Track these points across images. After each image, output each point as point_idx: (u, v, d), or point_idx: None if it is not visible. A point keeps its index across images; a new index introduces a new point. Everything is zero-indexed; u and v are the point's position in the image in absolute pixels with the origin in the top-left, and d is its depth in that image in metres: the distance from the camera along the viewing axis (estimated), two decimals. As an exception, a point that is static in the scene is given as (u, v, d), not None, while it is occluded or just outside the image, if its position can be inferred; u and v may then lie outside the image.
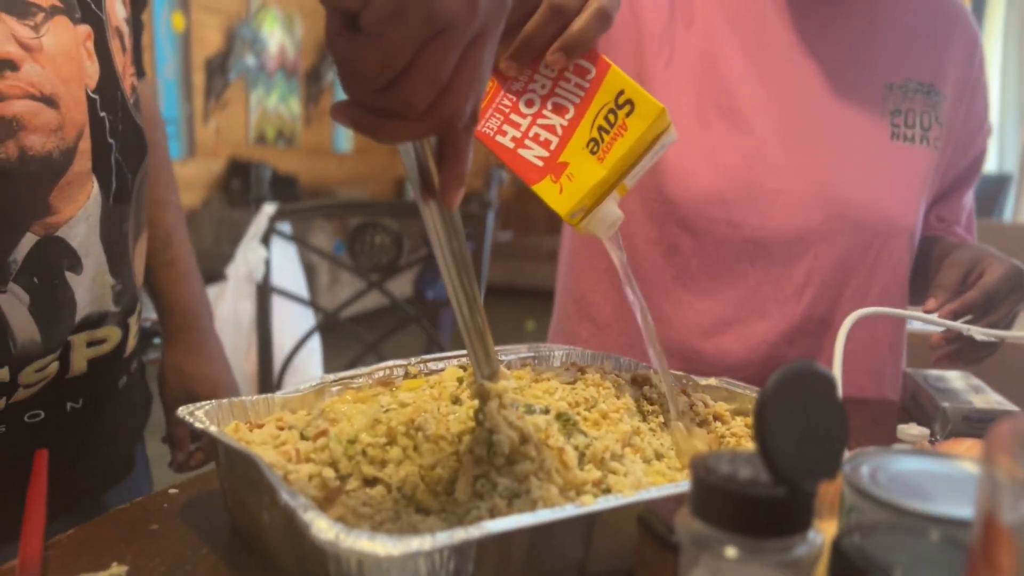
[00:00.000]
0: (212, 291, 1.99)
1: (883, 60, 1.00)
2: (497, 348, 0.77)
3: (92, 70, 0.70)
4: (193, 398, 0.95)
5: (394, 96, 0.39)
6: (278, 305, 1.66)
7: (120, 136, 0.73)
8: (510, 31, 0.57)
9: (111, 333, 0.76)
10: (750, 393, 0.69)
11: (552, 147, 0.58)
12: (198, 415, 0.58)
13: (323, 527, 0.41)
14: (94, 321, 0.74)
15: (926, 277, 1.00)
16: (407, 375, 0.71)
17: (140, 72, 0.86)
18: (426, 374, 0.71)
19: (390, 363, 0.71)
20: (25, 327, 0.67)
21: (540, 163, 0.58)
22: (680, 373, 0.73)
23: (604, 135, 0.57)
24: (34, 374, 0.69)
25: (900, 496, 0.36)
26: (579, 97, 0.58)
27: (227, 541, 0.56)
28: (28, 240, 0.66)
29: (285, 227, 1.73)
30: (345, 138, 6.70)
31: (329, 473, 0.50)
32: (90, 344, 0.74)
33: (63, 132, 0.67)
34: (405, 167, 0.46)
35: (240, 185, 5.05)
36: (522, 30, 0.57)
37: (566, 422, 0.55)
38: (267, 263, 1.61)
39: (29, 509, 0.52)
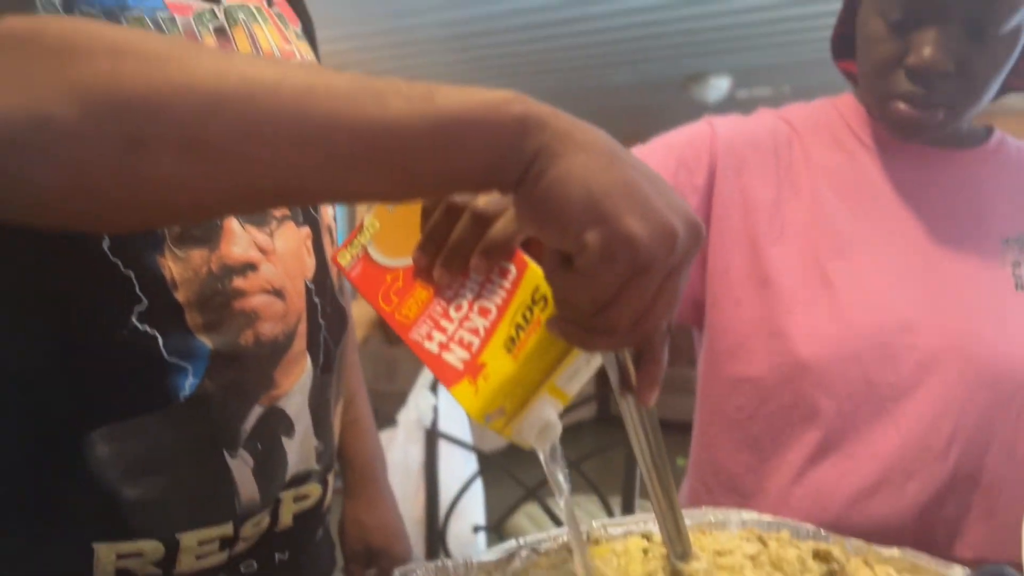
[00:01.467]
0: (384, 435, 2.11)
1: (994, 216, 1.01)
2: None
3: (310, 264, 0.82)
4: (369, 548, 1.03)
5: (602, 320, 0.47)
6: (444, 449, 1.75)
7: (328, 317, 0.84)
8: (438, 240, 0.60)
9: (313, 490, 0.85)
10: (935, 567, 0.68)
11: (474, 349, 0.57)
12: (409, 580, 0.64)
13: None
14: (300, 479, 0.83)
15: None
16: (590, 539, 0.75)
17: None
18: (607, 539, 0.75)
19: (573, 528, 0.75)
20: (248, 487, 0.77)
21: (461, 366, 0.57)
22: (859, 542, 0.73)
23: (520, 332, 0.55)
24: (251, 528, 0.78)
25: None
26: (501, 298, 0.57)
27: None
28: (256, 411, 0.77)
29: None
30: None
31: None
32: (296, 500, 0.83)
33: (287, 318, 0.78)
34: (606, 364, 0.53)
35: (397, 324, 5.30)
36: (448, 239, 0.59)
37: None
38: (435, 409, 1.71)
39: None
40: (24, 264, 0.67)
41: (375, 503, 1.05)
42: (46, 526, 0.70)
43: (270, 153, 0.45)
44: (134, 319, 0.69)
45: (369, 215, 0.66)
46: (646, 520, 0.78)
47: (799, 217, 1.01)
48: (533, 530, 3.10)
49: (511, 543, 0.73)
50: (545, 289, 0.55)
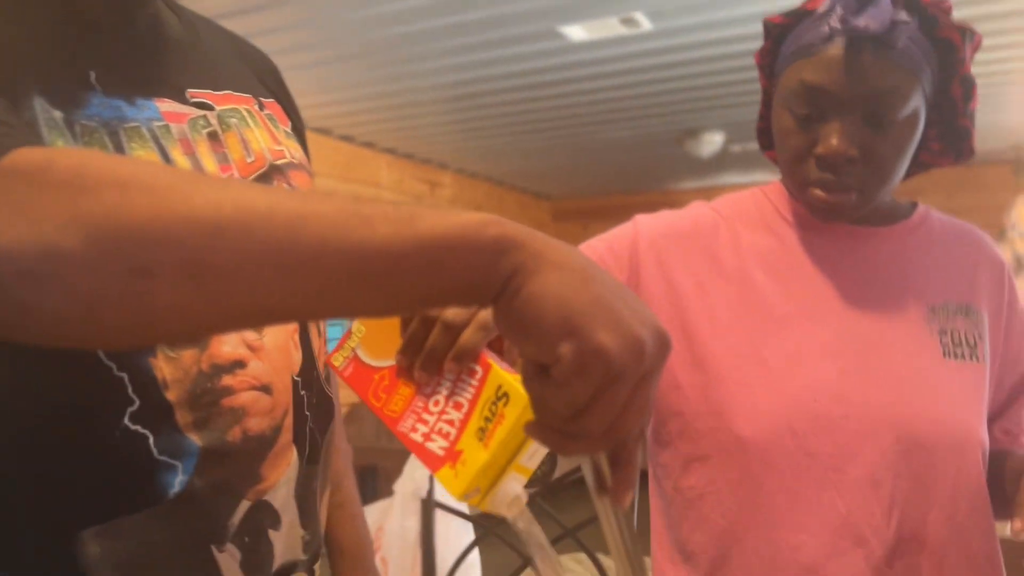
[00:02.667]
0: (380, 506, 2.11)
1: (919, 287, 1.05)
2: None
3: (297, 358, 0.83)
4: None
5: (577, 425, 0.49)
6: (440, 519, 1.75)
7: (314, 408, 0.85)
8: (416, 345, 0.68)
9: None
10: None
11: (451, 438, 0.65)
12: None
13: None
14: (287, 569, 0.83)
15: (1003, 491, 1.00)
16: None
17: None
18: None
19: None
20: None
21: (442, 452, 0.65)
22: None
23: (489, 423, 0.64)
24: None
25: None
26: (471, 394, 0.66)
27: None
28: (244, 506, 0.77)
29: (447, 443, 1.83)
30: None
31: None
32: None
33: (274, 413, 0.79)
34: (582, 467, 0.56)
35: (398, 380, 5.30)
36: (424, 345, 0.68)
37: None
38: (431, 479, 1.72)
39: None
40: (18, 369, 0.68)
41: None
42: None
43: (266, 278, 0.48)
44: (126, 420, 0.70)
45: (356, 322, 0.75)
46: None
47: (728, 298, 1.06)
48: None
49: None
50: (506, 387, 0.64)
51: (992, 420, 1.08)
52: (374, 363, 0.74)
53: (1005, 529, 0.90)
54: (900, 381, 1.00)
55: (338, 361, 0.76)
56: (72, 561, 0.70)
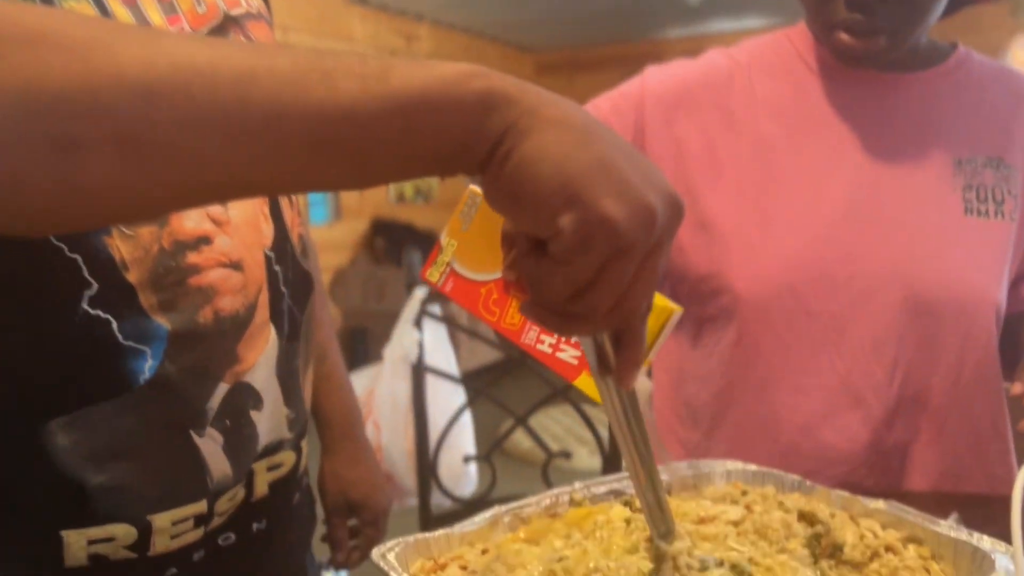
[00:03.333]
0: (370, 372, 2.12)
1: (949, 136, 0.99)
2: (662, 467, 0.80)
3: (268, 231, 0.78)
4: (349, 501, 1.03)
5: (578, 305, 0.43)
6: (431, 382, 1.75)
7: (291, 283, 0.81)
8: None
9: (287, 458, 0.84)
10: (922, 521, 0.67)
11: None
12: (389, 559, 0.63)
13: None
14: (272, 448, 0.81)
15: (1018, 354, 0.98)
16: (572, 502, 0.74)
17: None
18: (590, 499, 0.74)
19: (555, 491, 0.75)
20: (219, 464, 0.75)
21: (575, 361, 0.65)
22: (847, 494, 0.73)
23: None
24: (226, 503, 0.76)
25: None
26: None
27: None
28: (221, 389, 0.74)
29: (435, 308, 1.82)
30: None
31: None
32: (270, 469, 0.81)
33: (247, 290, 0.75)
34: (583, 346, 0.50)
35: (384, 243, 5.29)
36: None
37: (740, 574, 0.57)
38: (420, 344, 1.70)
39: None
40: None
41: (353, 457, 1.05)
42: (10, 516, 0.69)
43: (211, 148, 0.41)
44: (84, 304, 0.66)
45: (444, 235, 0.71)
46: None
47: (737, 156, 1.01)
48: (522, 454, 3.16)
49: (494, 510, 0.72)
50: None
51: (1016, 282, 1.04)
52: (476, 277, 0.69)
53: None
54: (912, 240, 0.96)
55: (434, 276, 0.71)
56: (41, 452, 0.67)
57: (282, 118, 0.41)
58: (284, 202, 0.82)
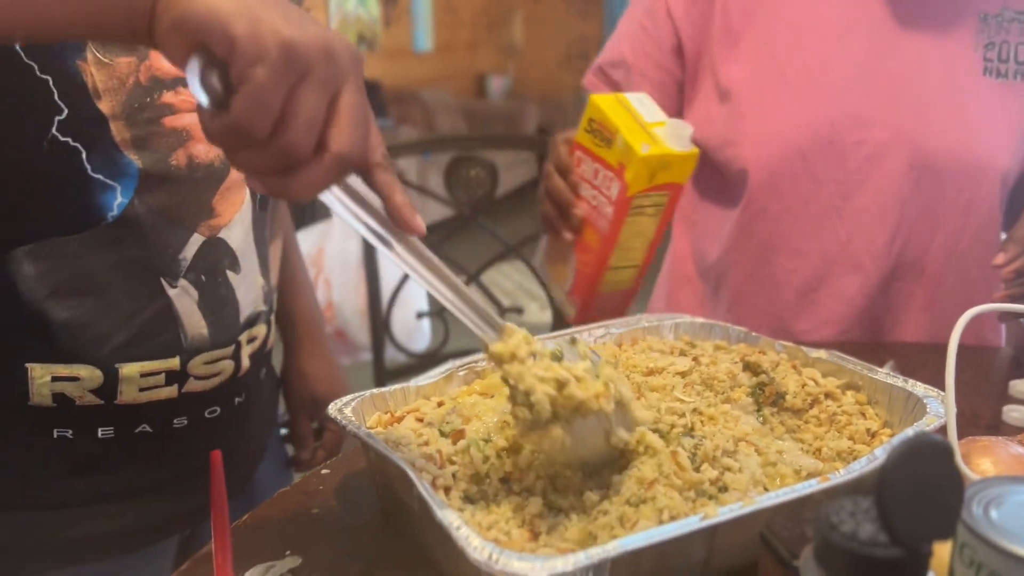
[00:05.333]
0: (319, 229, 2.08)
1: None
2: (613, 322, 0.82)
3: None
4: (314, 398, 1.02)
5: (279, 145, 0.43)
6: (382, 240, 1.72)
7: None
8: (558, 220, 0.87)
9: (262, 330, 0.84)
10: (860, 369, 0.70)
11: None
12: (346, 413, 0.64)
13: (477, 546, 0.47)
14: (253, 320, 0.81)
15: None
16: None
17: None
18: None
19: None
20: (194, 321, 0.75)
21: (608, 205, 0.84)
22: (791, 345, 0.75)
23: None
24: (203, 366, 0.76)
25: (1015, 537, 0.38)
26: (613, 185, 0.82)
27: (382, 527, 0.63)
28: (196, 240, 0.73)
29: (383, 164, 1.77)
30: (425, 37, 6.62)
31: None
32: (249, 342, 0.81)
33: None
34: (358, 231, 0.50)
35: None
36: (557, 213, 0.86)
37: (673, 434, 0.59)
38: (369, 201, 1.67)
39: (215, 507, 0.60)
40: None
41: (317, 356, 1.04)
42: None
43: None
44: (54, 130, 0.65)
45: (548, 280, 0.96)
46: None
47: (754, 16, 0.99)
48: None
49: (448, 364, 0.73)
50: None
51: None
52: (571, 275, 0.89)
53: None
54: (923, 104, 0.94)
55: (569, 310, 0.92)
56: (7, 279, 0.68)
57: None
58: None
